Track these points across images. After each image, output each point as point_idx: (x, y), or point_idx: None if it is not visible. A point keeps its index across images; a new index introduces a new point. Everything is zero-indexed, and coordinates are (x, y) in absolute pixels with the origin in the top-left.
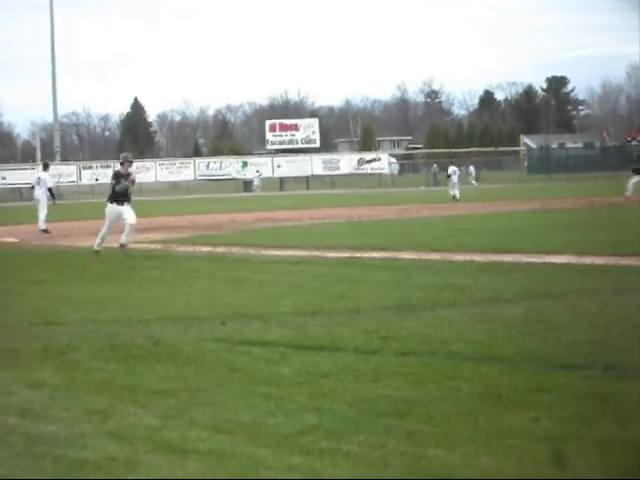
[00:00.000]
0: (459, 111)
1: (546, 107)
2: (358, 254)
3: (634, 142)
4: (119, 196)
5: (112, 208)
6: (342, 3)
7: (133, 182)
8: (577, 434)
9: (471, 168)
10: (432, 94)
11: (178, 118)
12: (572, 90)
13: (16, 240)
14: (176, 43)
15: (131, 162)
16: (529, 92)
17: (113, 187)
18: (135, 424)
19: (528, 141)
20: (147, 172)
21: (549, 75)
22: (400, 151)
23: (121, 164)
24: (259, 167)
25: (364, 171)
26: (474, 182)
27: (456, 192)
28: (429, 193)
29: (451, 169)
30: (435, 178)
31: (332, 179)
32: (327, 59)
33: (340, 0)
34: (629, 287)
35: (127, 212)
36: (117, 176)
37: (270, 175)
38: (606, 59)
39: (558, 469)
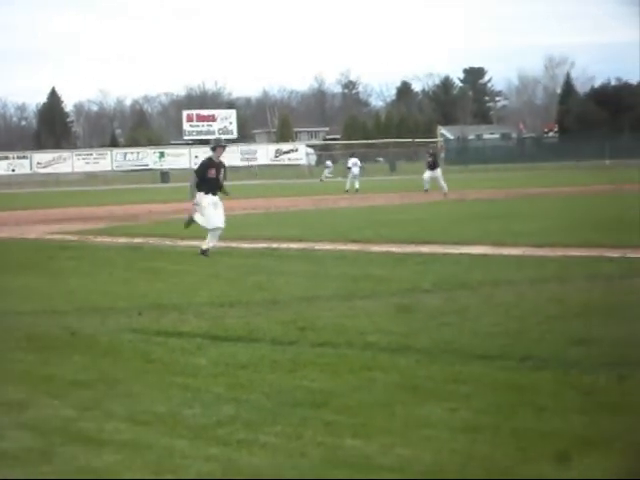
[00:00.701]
0: (376, 102)
1: (463, 98)
2: (275, 245)
3: (550, 134)
4: (210, 188)
5: (206, 197)
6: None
7: (224, 169)
8: (493, 424)
9: (328, 162)
10: (349, 85)
11: (95, 108)
12: (489, 81)
13: None
14: (92, 33)
15: (224, 147)
16: (446, 83)
17: (203, 178)
18: (52, 415)
19: (445, 132)
20: (64, 162)
21: (466, 66)
22: (317, 142)
23: (213, 149)
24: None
25: (281, 162)
26: (329, 175)
27: (355, 184)
28: (346, 184)
29: (351, 161)
30: (351, 168)
31: (254, 170)
32: (244, 50)
33: None
34: (545, 278)
35: (218, 209)
36: (207, 165)
37: (187, 166)
38: (523, 50)
39: (474, 460)
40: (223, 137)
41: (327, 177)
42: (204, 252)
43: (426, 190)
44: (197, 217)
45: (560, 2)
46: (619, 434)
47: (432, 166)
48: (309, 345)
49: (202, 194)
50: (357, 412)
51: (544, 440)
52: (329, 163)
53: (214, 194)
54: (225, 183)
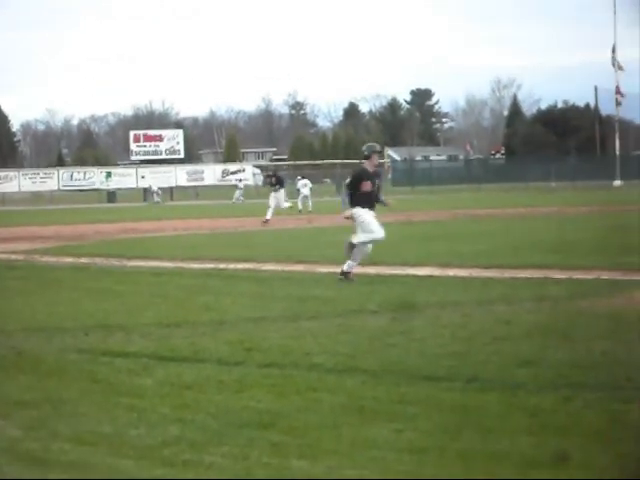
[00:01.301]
0: (324, 123)
1: (410, 120)
2: (222, 265)
3: (497, 155)
4: (367, 202)
5: (366, 212)
6: (204, 14)
7: (379, 178)
8: (440, 445)
9: (240, 184)
10: (296, 106)
11: (42, 128)
12: (436, 103)
13: None
14: (39, 52)
15: (380, 152)
16: (393, 104)
17: (356, 191)
18: None
19: (392, 153)
20: (10, 182)
21: (413, 88)
22: (265, 162)
23: (366, 158)
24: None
25: (228, 182)
26: (240, 198)
27: (308, 205)
28: (293, 205)
29: (300, 183)
30: (300, 190)
31: (196, 190)
32: (191, 69)
33: (202, 11)
34: (491, 299)
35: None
36: (360, 177)
37: (134, 186)
38: (470, 72)
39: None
40: (377, 145)
41: (238, 200)
42: (346, 275)
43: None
44: (356, 237)
45: (507, 25)
46: (566, 455)
47: (275, 184)
48: (255, 366)
49: (359, 209)
50: (303, 433)
51: (491, 461)
52: (240, 185)
53: (371, 208)
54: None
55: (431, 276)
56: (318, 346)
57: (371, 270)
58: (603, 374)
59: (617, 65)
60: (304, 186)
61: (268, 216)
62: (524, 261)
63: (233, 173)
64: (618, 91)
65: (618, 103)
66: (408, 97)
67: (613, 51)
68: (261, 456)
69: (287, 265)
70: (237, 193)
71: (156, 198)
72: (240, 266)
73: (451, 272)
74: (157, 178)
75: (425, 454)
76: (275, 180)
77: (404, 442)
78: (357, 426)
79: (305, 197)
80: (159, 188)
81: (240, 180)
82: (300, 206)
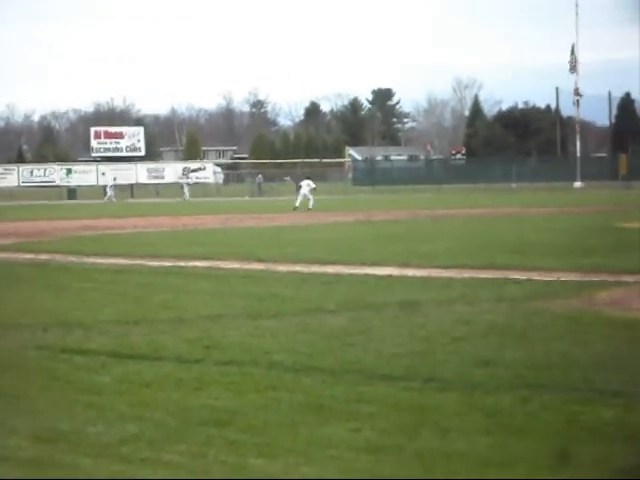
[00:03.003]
0: (285, 122)
1: (371, 119)
2: (182, 263)
3: (458, 156)
4: None
5: None
6: (165, 12)
7: None
8: (397, 445)
9: (109, 184)
10: (258, 104)
11: (2, 124)
12: (397, 103)
13: None
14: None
15: None
16: (354, 104)
17: None
18: None
19: (353, 153)
20: None
21: (375, 88)
22: (225, 161)
23: None
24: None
25: (189, 180)
26: (110, 193)
27: (309, 203)
28: (253, 203)
29: (305, 182)
30: (260, 188)
31: (157, 188)
32: (152, 67)
33: (163, 8)
34: (450, 299)
35: None
36: None
37: (94, 183)
38: (432, 73)
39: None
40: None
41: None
42: None
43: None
44: None
45: (469, 25)
46: (522, 456)
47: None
48: (214, 364)
49: None
50: (261, 431)
51: (448, 461)
52: (110, 183)
53: None
54: None
55: (390, 276)
56: (277, 345)
57: (330, 269)
58: (561, 375)
59: (572, 67)
60: (308, 185)
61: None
62: (484, 262)
63: (194, 171)
64: (576, 92)
65: (574, 103)
66: (370, 97)
67: (572, 53)
68: (219, 454)
69: (247, 263)
70: (109, 191)
71: (109, 192)
72: (200, 264)
73: (410, 272)
74: (117, 175)
75: (382, 453)
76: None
77: (361, 441)
78: (315, 425)
79: (304, 195)
80: (113, 185)
81: (188, 177)
82: (297, 203)
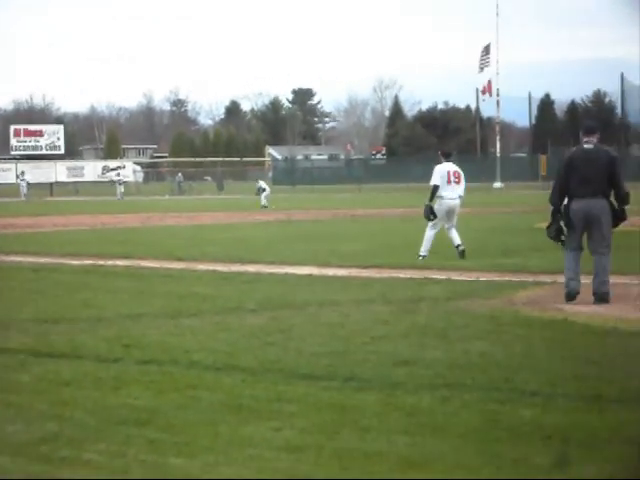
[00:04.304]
0: (205, 121)
1: (292, 119)
2: (101, 262)
3: (378, 156)
4: None
5: None
6: (84, 11)
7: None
8: (317, 444)
9: (23, 178)
10: (178, 103)
11: None
12: (318, 103)
13: None
14: None
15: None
16: (275, 103)
17: None
18: None
19: (273, 152)
20: None
21: (295, 87)
22: (145, 159)
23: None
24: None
25: (108, 179)
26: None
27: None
28: (173, 202)
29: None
30: (180, 187)
31: (76, 186)
32: (72, 65)
33: (81, 8)
34: (370, 299)
35: None
36: None
37: (13, 181)
38: (352, 72)
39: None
40: None
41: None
42: None
43: None
44: None
45: (389, 25)
46: (442, 455)
47: None
48: (134, 362)
49: None
50: (181, 430)
51: (367, 460)
52: (23, 179)
53: None
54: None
55: (310, 275)
56: (197, 343)
57: (250, 268)
58: (480, 375)
59: (482, 67)
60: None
61: None
62: (403, 261)
63: (113, 169)
64: (485, 91)
65: (483, 101)
66: (290, 96)
67: (487, 53)
68: (138, 453)
69: (167, 262)
70: (118, 189)
71: (21, 187)
72: (119, 263)
73: (330, 271)
74: (36, 173)
75: (302, 452)
76: None
77: (281, 440)
78: (235, 424)
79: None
80: (24, 180)
81: (119, 175)
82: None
